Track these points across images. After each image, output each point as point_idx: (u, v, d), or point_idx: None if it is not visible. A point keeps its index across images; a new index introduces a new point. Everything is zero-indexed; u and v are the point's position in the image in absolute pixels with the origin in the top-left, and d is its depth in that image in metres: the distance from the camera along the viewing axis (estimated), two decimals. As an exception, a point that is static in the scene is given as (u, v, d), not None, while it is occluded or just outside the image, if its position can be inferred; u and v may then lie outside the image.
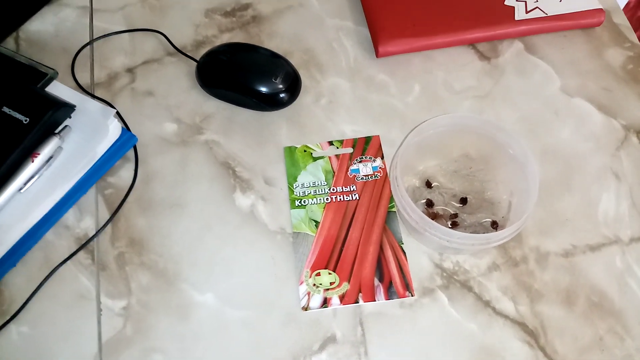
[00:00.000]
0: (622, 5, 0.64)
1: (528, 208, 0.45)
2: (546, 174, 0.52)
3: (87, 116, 0.52)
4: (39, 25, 0.61)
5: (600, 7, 0.60)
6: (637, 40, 0.61)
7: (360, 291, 0.47)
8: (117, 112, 0.55)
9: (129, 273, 0.49)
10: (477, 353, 0.45)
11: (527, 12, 0.59)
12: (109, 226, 0.51)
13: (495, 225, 0.49)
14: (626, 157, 0.54)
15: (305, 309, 0.47)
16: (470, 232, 0.49)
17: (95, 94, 0.57)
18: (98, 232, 0.50)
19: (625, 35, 0.61)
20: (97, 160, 0.51)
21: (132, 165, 0.53)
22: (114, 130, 0.52)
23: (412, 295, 0.47)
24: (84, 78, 0.58)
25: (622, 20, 0.62)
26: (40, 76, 0.53)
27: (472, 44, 0.60)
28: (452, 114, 0.50)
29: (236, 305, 0.47)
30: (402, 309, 0.47)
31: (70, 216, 0.51)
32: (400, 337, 0.46)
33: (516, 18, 0.59)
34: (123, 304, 0.48)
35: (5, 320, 0.47)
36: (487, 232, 0.49)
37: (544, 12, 0.59)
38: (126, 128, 0.55)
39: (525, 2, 0.60)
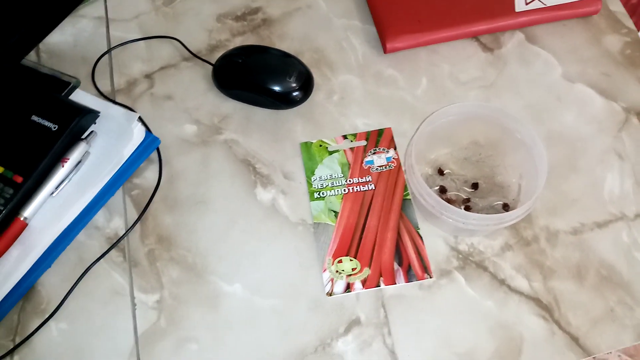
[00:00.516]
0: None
1: (538, 188, 0.47)
2: (552, 157, 0.55)
3: (111, 121, 0.54)
4: (58, 36, 0.63)
5: (597, -5, 0.62)
6: (634, 26, 0.63)
7: (381, 275, 0.50)
8: (139, 116, 0.58)
9: (160, 268, 0.51)
10: (494, 329, 0.48)
11: (526, 3, 0.61)
12: (138, 225, 0.53)
13: (506, 208, 0.52)
14: (628, 138, 0.56)
15: (330, 294, 0.49)
16: (483, 216, 0.52)
17: (117, 100, 0.59)
18: (128, 231, 0.53)
19: (622, 22, 0.63)
20: (124, 163, 0.54)
21: (156, 167, 0.56)
22: (138, 133, 0.54)
23: (430, 277, 0.49)
24: (104, 85, 0.60)
25: (618, 8, 0.64)
26: (63, 85, 0.56)
27: (475, 36, 0.62)
28: (461, 102, 0.52)
29: (264, 294, 0.50)
30: (422, 291, 0.50)
31: (100, 217, 0.54)
32: (421, 316, 0.49)
33: (516, 10, 0.61)
34: (156, 297, 0.50)
35: (45, 318, 0.49)
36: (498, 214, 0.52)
37: (543, 3, 0.61)
38: (148, 131, 0.57)
39: (524, -6, 0.62)
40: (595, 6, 0.62)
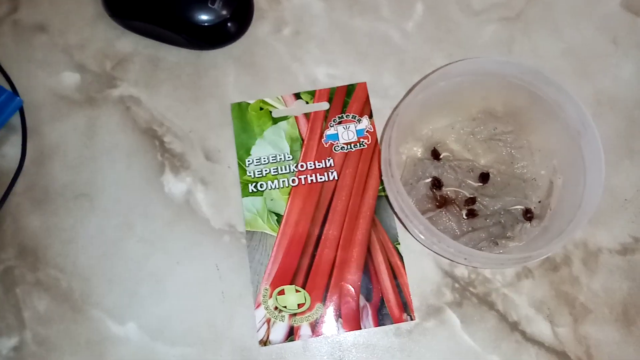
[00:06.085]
0: None
1: (588, 203, 0.30)
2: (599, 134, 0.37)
3: (-58, 70, 0.36)
4: None
5: None
6: None
7: (339, 316, 0.34)
8: (-7, 59, 0.39)
9: (21, 297, 0.35)
10: (500, 396, 0.33)
11: None
12: (-9, 228, 0.37)
13: (529, 215, 0.35)
14: None
15: (264, 343, 0.34)
16: (493, 223, 0.35)
17: (-38, 32, 0.40)
18: (-25, 237, 0.36)
19: None
20: (-36, 135, 0.36)
21: (18, 139, 0.38)
22: (-16, 89, 0.36)
23: (411, 319, 0.34)
24: (-56, 7, 0.41)
25: None
26: None
27: (497, -62, 0.42)
28: (473, 58, 0.34)
29: (169, 340, 0.34)
30: (398, 338, 0.34)
31: None
32: (396, 377, 0.34)
33: None
34: (13, 342, 0.35)
35: None
36: (517, 223, 0.35)
37: None
38: (7, 85, 0.39)
39: None
40: None
